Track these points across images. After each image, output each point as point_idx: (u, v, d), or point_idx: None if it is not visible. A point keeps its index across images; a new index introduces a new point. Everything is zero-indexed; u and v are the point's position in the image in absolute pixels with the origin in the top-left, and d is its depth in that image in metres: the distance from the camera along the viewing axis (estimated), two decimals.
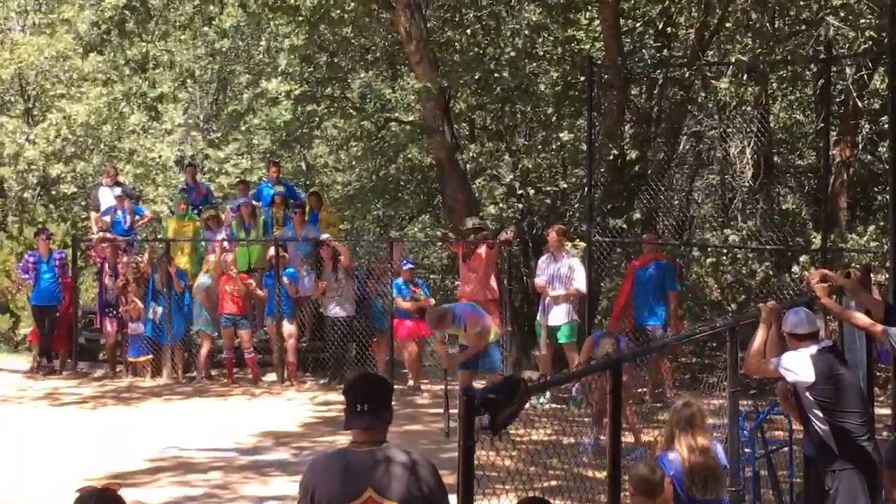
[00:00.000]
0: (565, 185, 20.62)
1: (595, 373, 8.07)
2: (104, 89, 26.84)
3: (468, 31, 20.96)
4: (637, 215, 18.76)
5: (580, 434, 13.30)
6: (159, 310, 19.28)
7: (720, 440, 8.58)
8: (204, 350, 19.08)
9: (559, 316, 16.68)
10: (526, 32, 20.67)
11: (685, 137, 21.57)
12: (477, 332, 14.17)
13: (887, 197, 15.45)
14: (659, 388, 16.44)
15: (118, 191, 20.95)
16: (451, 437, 13.75)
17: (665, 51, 19.91)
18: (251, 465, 13.38)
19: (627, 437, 11.94)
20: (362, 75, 23.39)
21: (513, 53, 20.72)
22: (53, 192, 28.35)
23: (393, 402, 5.84)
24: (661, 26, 19.98)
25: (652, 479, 7.37)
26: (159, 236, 22.89)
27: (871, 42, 17.81)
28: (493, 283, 17.68)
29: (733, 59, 18.88)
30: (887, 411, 11.83)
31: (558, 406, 15.80)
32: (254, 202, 20.26)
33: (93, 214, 21.33)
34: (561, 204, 20.53)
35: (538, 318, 17.03)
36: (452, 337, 15.65)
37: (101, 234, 20.53)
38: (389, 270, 18.47)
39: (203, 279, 19.04)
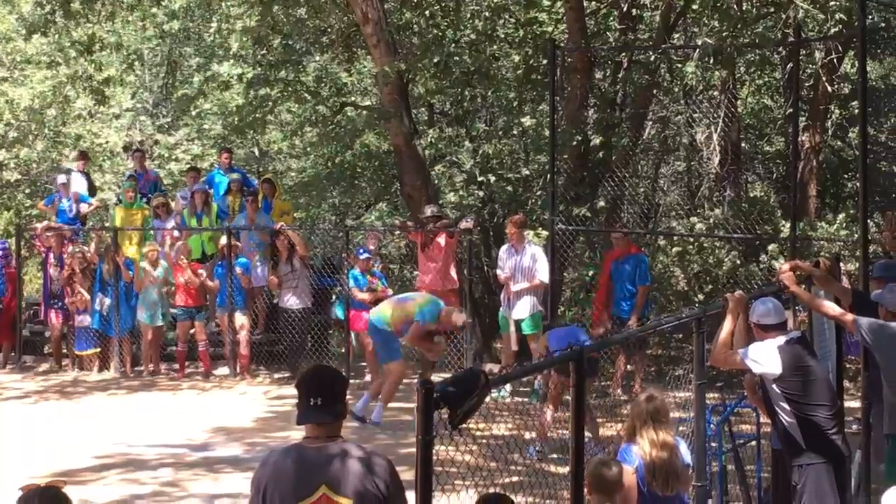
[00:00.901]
0: (527, 172, 20.48)
1: (556, 364, 7.70)
2: (48, 72, 26.31)
3: (427, 12, 20.69)
4: (601, 203, 18.43)
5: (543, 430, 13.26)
6: (107, 301, 18.88)
7: (686, 434, 8.52)
8: (146, 341, 18.67)
9: (523, 309, 16.43)
10: (486, 14, 20.38)
11: (650, 123, 21.43)
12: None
13: (857, 184, 15.12)
14: (625, 381, 16.23)
15: (82, 179, 20.39)
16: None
17: (630, 33, 19.68)
18: (202, 462, 13.20)
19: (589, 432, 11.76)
20: (317, 58, 22.98)
21: (473, 36, 20.49)
22: None
23: (348, 397, 5.75)
24: (625, 8, 19.74)
25: (609, 477, 7.20)
26: (106, 225, 22.32)
27: (840, 25, 17.53)
28: (453, 272, 17.48)
29: (700, 43, 18.52)
30: (857, 404, 11.60)
31: (520, 399, 15.66)
32: (208, 189, 19.71)
33: (65, 203, 20.54)
34: (523, 191, 20.37)
35: (502, 311, 16.66)
36: None
37: (45, 222, 20.02)
38: (346, 260, 18.09)
39: (141, 267, 18.69)
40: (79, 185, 20.57)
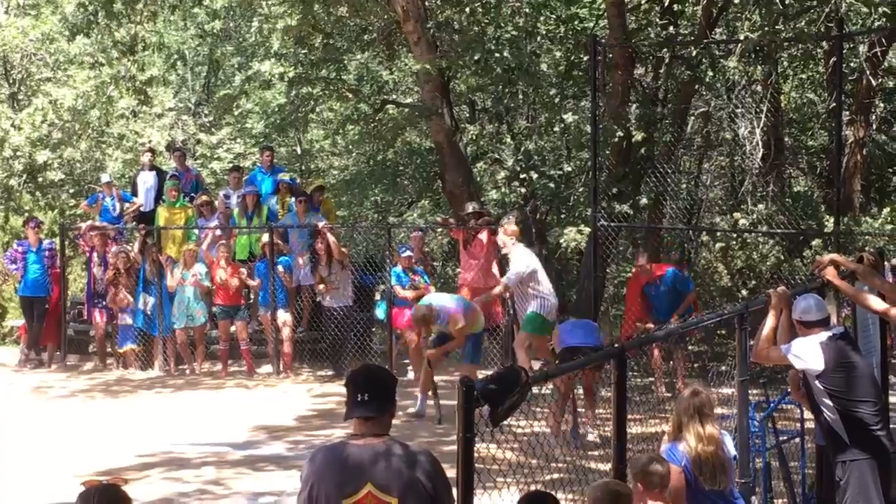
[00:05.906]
0: (569, 169, 20.41)
1: (598, 362, 7.67)
2: (91, 72, 26.40)
3: (467, 9, 20.55)
4: (643, 199, 18.33)
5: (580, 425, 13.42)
6: (150, 300, 18.88)
7: (729, 430, 8.43)
8: (179, 342, 18.75)
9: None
10: (527, 10, 20.33)
11: (693, 118, 21.26)
12: (458, 329, 14.53)
13: None
14: (668, 377, 16.13)
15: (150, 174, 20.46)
16: (442, 424, 13.99)
17: (671, 28, 19.46)
18: (245, 460, 13.12)
19: (632, 429, 11.73)
20: (359, 56, 22.99)
21: (514, 32, 20.41)
22: (40, 180, 27.85)
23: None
24: (667, 3, 19.56)
25: (661, 472, 7.12)
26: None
27: (884, 18, 17.36)
28: (495, 270, 17.36)
29: (742, 37, 18.37)
30: None
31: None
32: (258, 191, 19.64)
33: (108, 202, 20.53)
34: (565, 188, 20.25)
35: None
36: None
37: (89, 221, 20.08)
38: (388, 259, 18.04)
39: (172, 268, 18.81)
40: (148, 180, 20.56)
